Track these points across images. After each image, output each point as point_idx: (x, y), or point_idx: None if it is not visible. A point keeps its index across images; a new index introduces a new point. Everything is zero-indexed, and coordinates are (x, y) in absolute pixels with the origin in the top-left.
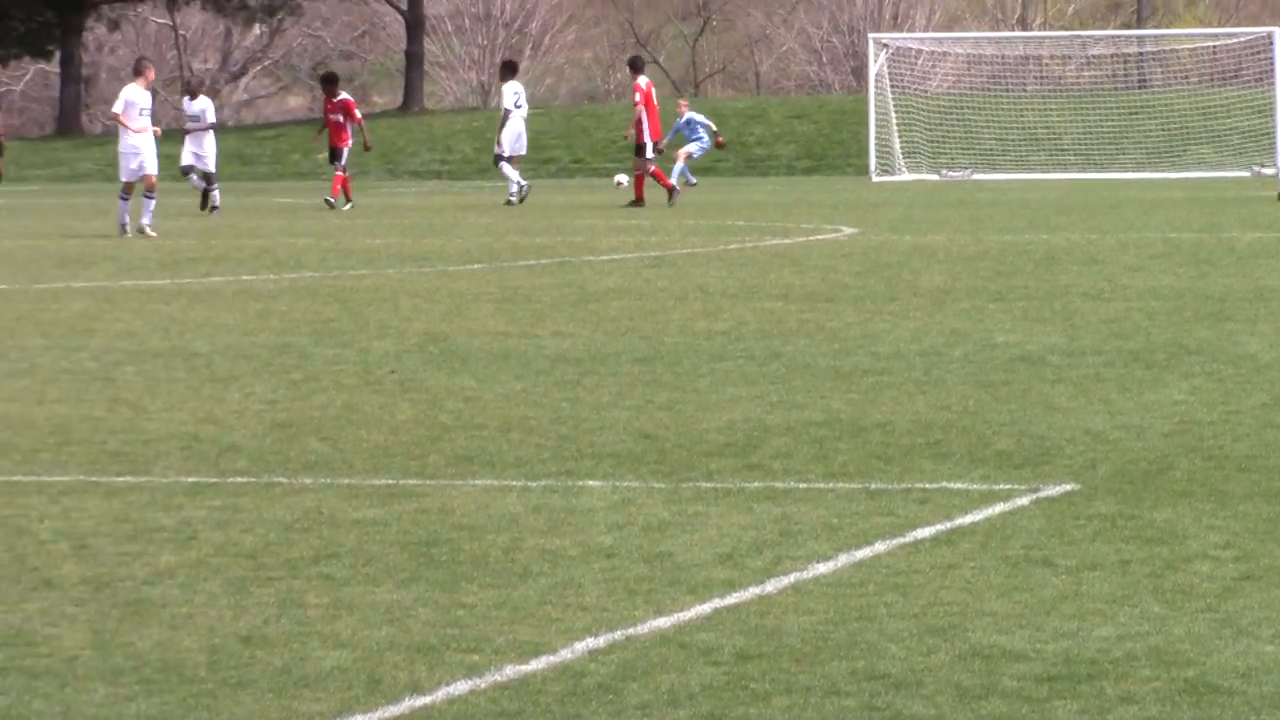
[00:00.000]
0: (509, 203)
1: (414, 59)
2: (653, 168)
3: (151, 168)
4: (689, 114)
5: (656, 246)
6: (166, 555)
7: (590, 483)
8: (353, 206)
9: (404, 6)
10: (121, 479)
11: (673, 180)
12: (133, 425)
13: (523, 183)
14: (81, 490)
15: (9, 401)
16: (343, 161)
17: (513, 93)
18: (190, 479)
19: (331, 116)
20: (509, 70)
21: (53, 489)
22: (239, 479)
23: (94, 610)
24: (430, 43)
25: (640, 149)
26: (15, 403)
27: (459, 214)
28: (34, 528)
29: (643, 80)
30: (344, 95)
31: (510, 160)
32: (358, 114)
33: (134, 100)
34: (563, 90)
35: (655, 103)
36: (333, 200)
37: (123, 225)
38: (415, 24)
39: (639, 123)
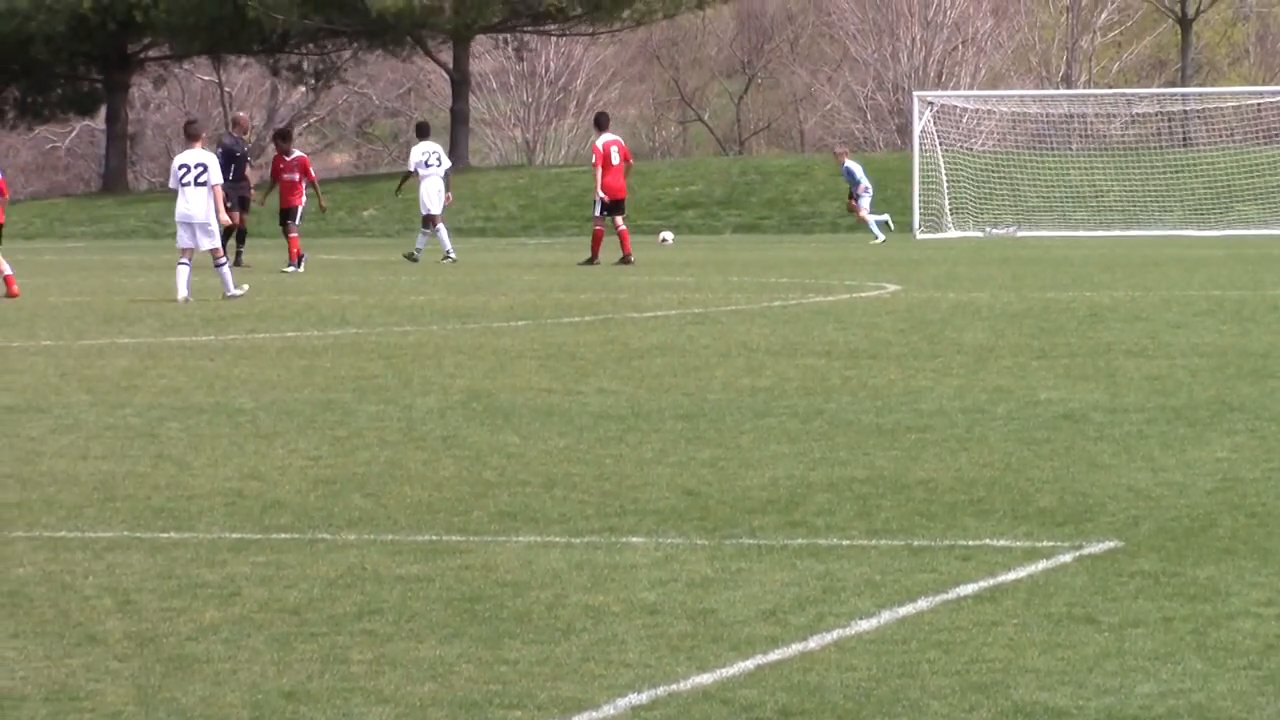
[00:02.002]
0: (450, 259)
1: (459, 116)
2: (599, 227)
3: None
4: (847, 163)
5: (700, 304)
6: (210, 611)
7: (633, 539)
8: (304, 269)
9: (449, 64)
10: (166, 535)
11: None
12: (177, 481)
13: (421, 246)
14: (125, 546)
15: (54, 457)
16: (297, 221)
17: (421, 153)
18: (234, 535)
19: (285, 175)
20: (423, 132)
21: (97, 544)
22: (283, 535)
23: (138, 666)
24: (475, 100)
25: (593, 205)
26: (60, 459)
27: (503, 271)
28: (78, 583)
29: (600, 140)
30: (298, 153)
31: (429, 219)
32: (312, 172)
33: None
34: None
35: (618, 159)
36: (293, 267)
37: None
38: (460, 81)
39: (599, 179)
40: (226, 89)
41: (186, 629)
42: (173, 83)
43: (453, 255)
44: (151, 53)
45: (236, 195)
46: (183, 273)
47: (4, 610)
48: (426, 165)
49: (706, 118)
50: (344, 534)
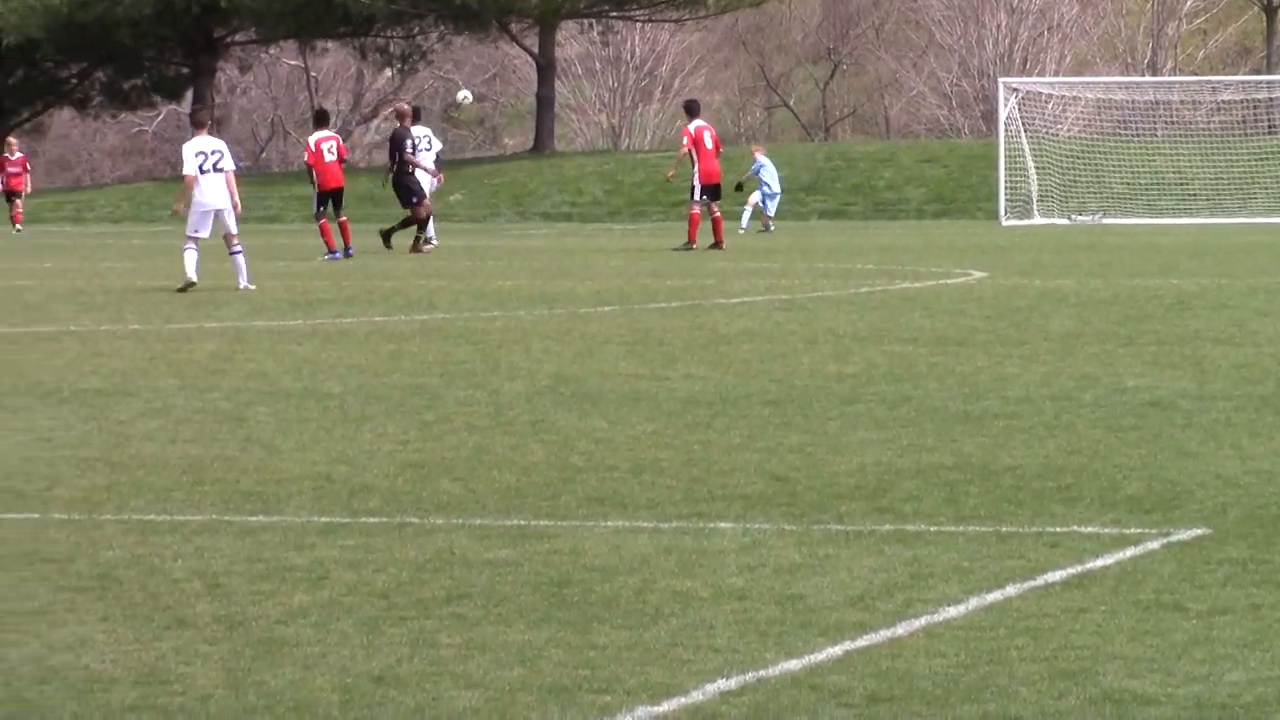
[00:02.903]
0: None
1: (544, 102)
2: (695, 211)
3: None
4: (760, 159)
5: (786, 290)
6: (299, 594)
7: (721, 525)
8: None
9: (535, 49)
10: (255, 518)
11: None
12: (265, 465)
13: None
14: (215, 529)
15: (143, 441)
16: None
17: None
18: (323, 519)
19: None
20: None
21: (186, 528)
22: (371, 519)
23: (227, 649)
24: (561, 85)
25: (691, 190)
26: (149, 442)
27: (590, 256)
28: (168, 567)
29: (692, 126)
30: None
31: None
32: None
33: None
34: None
35: (711, 145)
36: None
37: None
38: (546, 67)
39: (684, 163)
40: (313, 74)
41: (276, 612)
42: (258, 67)
43: (434, 241)
44: (237, 37)
45: (416, 183)
46: (192, 256)
47: (94, 593)
48: (415, 149)
49: (792, 103)
50: (432, 518)
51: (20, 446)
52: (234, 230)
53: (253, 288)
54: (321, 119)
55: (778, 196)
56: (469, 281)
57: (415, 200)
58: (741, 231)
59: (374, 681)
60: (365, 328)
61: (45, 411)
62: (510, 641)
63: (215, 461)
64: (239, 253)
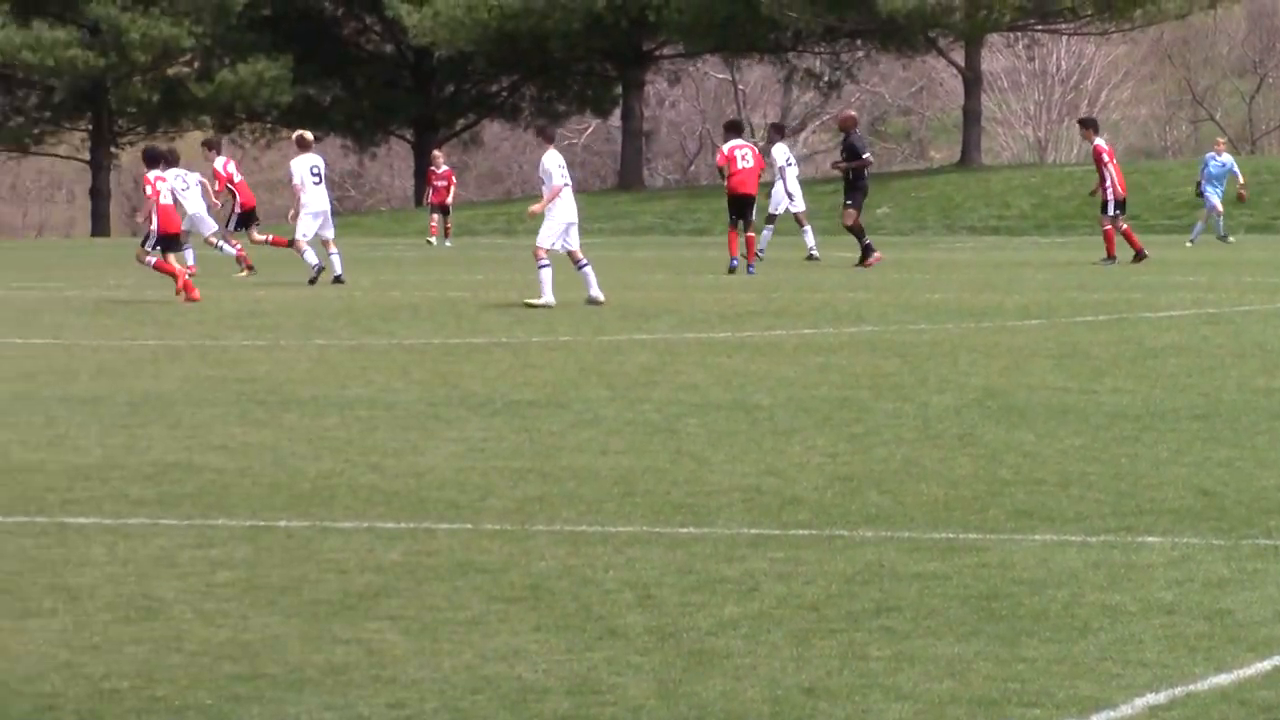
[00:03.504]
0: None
1: (971, 115)
2: (1114, 225)
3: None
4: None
5: (1213, 304)
6: (730, 606)
7: (1149, 539)
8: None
9: (961, 63)
10: (685, 530)
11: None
12: (696, 477)
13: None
14: (645, 540)
15: (575, 452)
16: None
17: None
18: (752, 531)
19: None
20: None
21: (617, 539)
22: (800, 531)
23: (658, 660)
24: (987, 99)
25: (1103, 206)
26: (580, 453)
27: (1016, 269)
28: (599, 577)
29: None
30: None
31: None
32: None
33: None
34: (1119, 146)
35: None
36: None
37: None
38: (972, 80)
39: (1102, 180)
40: (740, 87)
41: (706, 624)
42: (686, 80)
43: (815, 255)
44: (665, 50)
45: (859, 193)
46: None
47: (526, 604)
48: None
49: (1218, 117)
50: (861, 531)
51: (454, 457)
52: (575, 247)
53: (601, 299)
54: (734, 128)
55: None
56: (896, 294)
57: (850, 204)
58: (1190, 244)
59: (804, 693)
60: (794, 340)
61: (478, 422)
62: (939, 654)
63: (646, 473)
64: (585, 265)
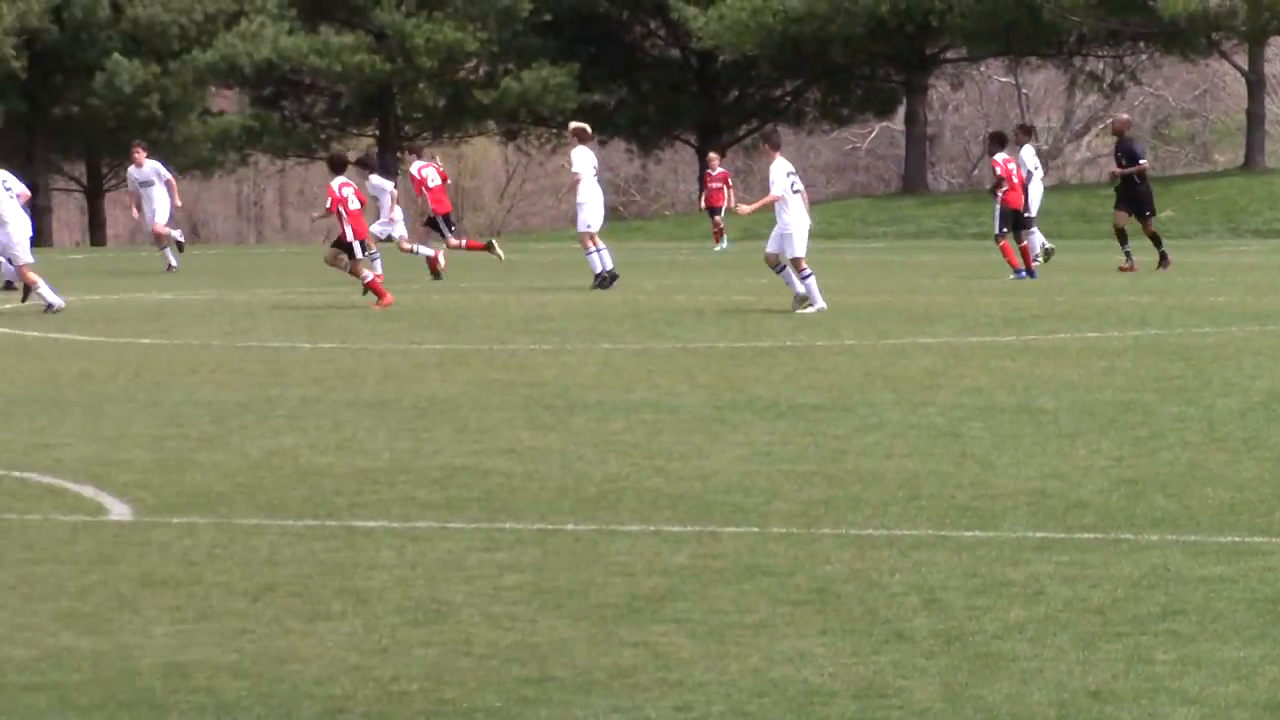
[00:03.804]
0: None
1: (1254, 118)
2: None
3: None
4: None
5: None
6: (1015, 610)
7: None
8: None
9: (1244, 66)
10: (970, 533)
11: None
12: (980, 480)
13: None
14: (931, 544)
15: (860, 456)
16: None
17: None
18: (1038, 534)
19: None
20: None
21: (903, 542)
22: (1086, 535)
23: (944, 663)
24: (1271, 102)
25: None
26: (866, 457)
27: None
28: (885, 580)
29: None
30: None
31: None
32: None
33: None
34: None
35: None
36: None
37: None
38: (1256, 83)
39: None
40: (1024, 90)
41: (992, 627)
42: (970, 84)
43: (1038, 254)
44: (948, 54)
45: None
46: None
47: (812, 607)
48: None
49: None
50: (1147, 534)
51: (740, 461)
52: (778, 250)
53: (813, 309)
54: (1000, 140)
55: None
56: (1181, 297)
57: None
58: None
59: (1090, 697)
60: (1078, 344)
61: (763, 426)
62: (1225, 658)
63: (931, 476)
64: (807, 276)
